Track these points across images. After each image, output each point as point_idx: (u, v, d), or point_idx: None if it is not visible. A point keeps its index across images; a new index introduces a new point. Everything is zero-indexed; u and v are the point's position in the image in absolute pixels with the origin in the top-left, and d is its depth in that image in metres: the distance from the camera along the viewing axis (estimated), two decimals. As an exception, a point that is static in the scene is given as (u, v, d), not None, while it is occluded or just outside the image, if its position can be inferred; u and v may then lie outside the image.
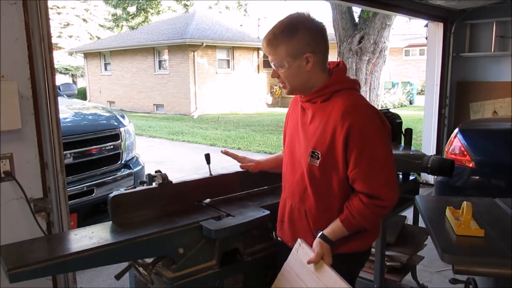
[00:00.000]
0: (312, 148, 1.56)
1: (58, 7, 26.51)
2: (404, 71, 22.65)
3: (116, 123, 3.85)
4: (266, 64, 18.31)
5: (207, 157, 2.02)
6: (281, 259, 1.71)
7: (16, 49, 1.82)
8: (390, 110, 2.76)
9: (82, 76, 26.04)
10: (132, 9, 16.36)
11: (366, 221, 1.54)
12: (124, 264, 1.79)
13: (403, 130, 2.73)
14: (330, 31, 5.09)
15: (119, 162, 3.79)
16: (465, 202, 1.75)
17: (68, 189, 2.08)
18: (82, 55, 21.66)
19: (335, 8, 9.04)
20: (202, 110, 16.82)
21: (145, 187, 1.82)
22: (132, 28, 17.29)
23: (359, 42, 8.95)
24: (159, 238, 1.62)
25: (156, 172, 1.85)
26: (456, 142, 3.73)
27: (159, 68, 18.22)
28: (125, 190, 1.76)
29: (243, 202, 1.99)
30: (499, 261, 1.53)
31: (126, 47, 18.88)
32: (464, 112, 5.52)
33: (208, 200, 1.99)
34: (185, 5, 16.53)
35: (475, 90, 5.42)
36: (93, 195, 3.41)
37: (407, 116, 10.81)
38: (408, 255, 2.53)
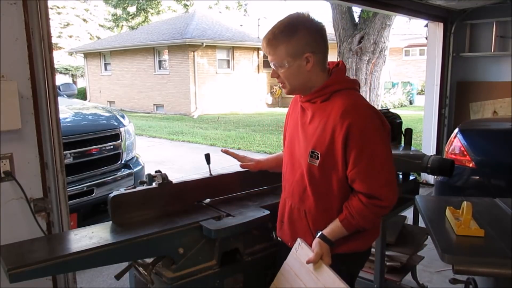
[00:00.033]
0: (311, 148, 1.56)
1: (58, 7, 26.52)
2: (404, 71, 22.64)
3: (116, 123, 3.85)
4: (266, 64, 18.30)
5: (207, 157, 2.02)
6: (281, 259, 1.71)
7: (16, 49, 1.82)
8: (390, 110, 2.76)
9: (82, 76, 26.04)
10: (132, 9, 16.35)
11: (365, 221, 1.54)
12: (124, 264, 1.79)
13: (403, 130, 2.72)
14: (330, 31, 5.11)
15: (119, 162, 3.79)
16: (465, 202, 1.75)
17: (68, 189, 2.08)
18: (82, 55, 21.66)
19: (335, 8, 9.04)
20: (202, 110, 16.82)
21: (145, 187, 1.82)
22: (132, 28, 17.29)
23: (359, 42, 8.95)
24: (159, 238, 1.62)
25: (156, 172, 1.85)
26: (456, 142, 3.73)
27: (159, 68, 18.22)
28: (125, 190, 1.76)
29: (243, 202, 1.99)
30: (499, 261, 1.53)
31: (126, 47, 18.88)
32: (464, 112, 5.51)
33: (208, 200, 1.99)
34: (185, 5, 16.53)
35: (475, 90, 5.42)
36: (93, 195, 3.41)
37: (407, 116, 10.81)
38: (408, 255, 2.53)
